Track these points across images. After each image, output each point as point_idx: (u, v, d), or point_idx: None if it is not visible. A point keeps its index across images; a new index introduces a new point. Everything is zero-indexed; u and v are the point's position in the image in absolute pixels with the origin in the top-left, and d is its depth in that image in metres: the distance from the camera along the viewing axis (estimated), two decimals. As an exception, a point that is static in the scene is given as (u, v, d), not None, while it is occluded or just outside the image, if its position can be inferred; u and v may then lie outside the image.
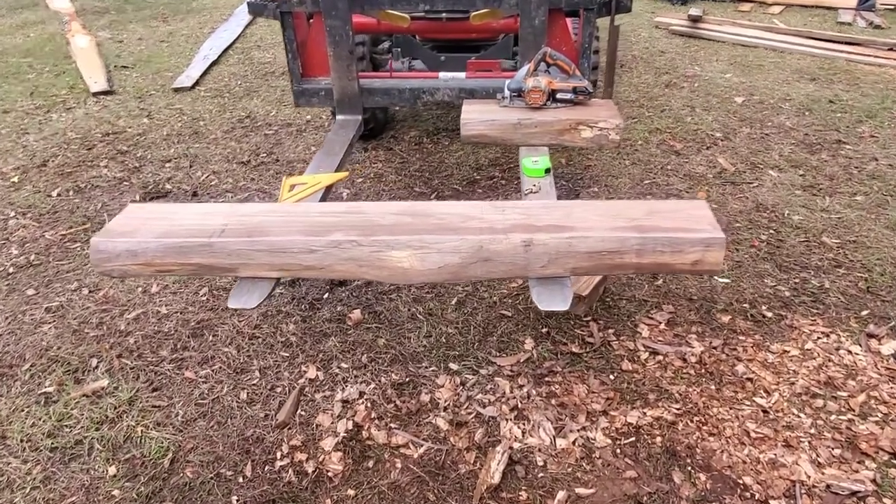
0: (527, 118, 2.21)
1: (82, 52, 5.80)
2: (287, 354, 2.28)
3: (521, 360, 2.25)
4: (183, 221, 1.61)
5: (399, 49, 3.55)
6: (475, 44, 3.42)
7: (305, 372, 2.20)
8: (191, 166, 3.78)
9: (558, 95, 2.26)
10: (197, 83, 5.20)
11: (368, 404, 2.06)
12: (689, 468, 1.82)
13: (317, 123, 4.34)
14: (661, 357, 2.25)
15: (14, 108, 4.77)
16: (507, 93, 2.30)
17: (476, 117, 2.22)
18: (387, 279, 1.55)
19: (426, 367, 2.22)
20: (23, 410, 2.05)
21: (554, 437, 1.93)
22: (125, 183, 3.60)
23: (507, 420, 1.99)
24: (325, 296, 2.57)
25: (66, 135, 4.27)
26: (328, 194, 2.07)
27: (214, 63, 5.72)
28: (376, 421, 2.00)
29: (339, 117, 2.49)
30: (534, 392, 2.11)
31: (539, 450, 1.89)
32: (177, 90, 5.06)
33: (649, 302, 2.52)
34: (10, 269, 2.81)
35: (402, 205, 1.65)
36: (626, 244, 1.48)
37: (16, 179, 3.64)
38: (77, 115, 4.61)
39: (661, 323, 2.42)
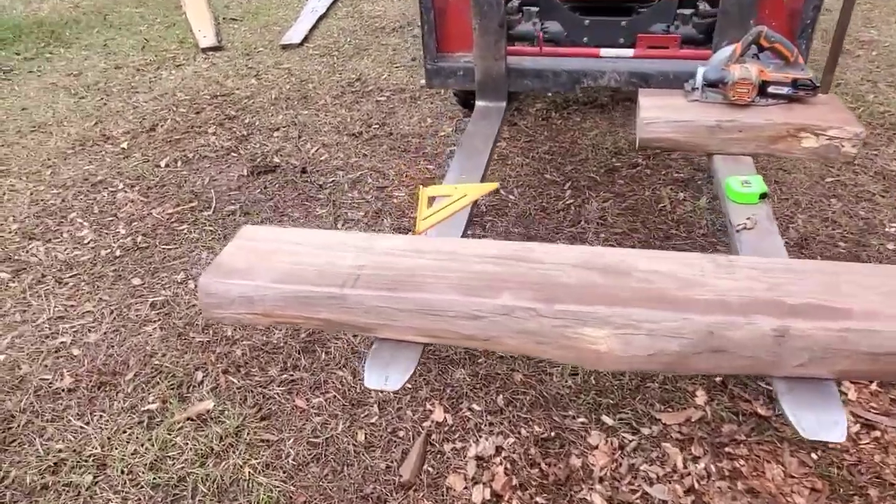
0: (728, 119, 1.71)
1: (192, 2, 5.63)
2: (410, 386, 1.97)
3: (693, 420, 1.83)
4: (308, 257, 1.28)
5: (535, 8, 3.03)
6: (627, 5, 2.86)
7: (431, 412, 1.87)
8: (299, 136, 3.50)
9: (770, 89, 1.74)
10: (305, 39, 4.90)
11: (508, 465, 1.72)
12: None
13: (432, 90, 3.93)
14: (877, 433, 1.76)
15: (126, 64, 4.65)
16: (699, 82, 1.80)
17: (660, 115, 1.74)
18: (573, 361, 1.16)
19: (573, 418, 1.84)
20: (125, 432, 1.86)
21: (747, 541, 1.52)
22: (233, 154, 3.37)
23: (682, 508, 1.59)
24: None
25: (175, 95, 4.09)
26: (472, 208, 1.69)
27: (322, 17, 5.39)
28: (518, 491, 1.65)
29: (479, 104, 2.08)
30: (713, 468, 1.69)
31: (729, 559, 1.49)
32: (284, 47, 4.78)
33: (855, 351, 2.00)
34: (118, 252, 2.64)
35: (589, 252, 1.25)
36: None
37: (125, 146, 3.49)
38: (186, 74, 4.43)
39: (871, 382, 1.91)
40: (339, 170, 3.16)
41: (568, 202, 2.82)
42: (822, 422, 1.01)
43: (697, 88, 1.81)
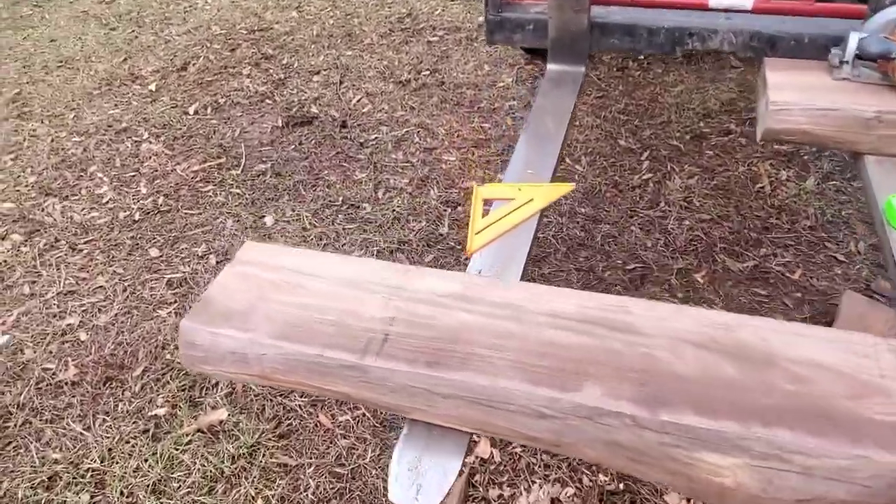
0: (893, 111, 1.27)
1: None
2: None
3: None
4: (323, 299, 0.97)
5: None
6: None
7: (475, 444, 1.59)
8: (341, 82, 3.13)
9: (954, 68, 1.27)
10: (352, -35, 4.41)
11: (564, 525, 1.43)
12: None
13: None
14: None
15: (160, -9, 4.30)
16: (850, 53, 1.35)
17: (796, 100, 1.31)
18: (684, 492, 0.83)
19: (646, 465, 1.52)
20: (128, 442, 1.64)
21: None
22: (267, 101, 3.03)
23: None
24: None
25: (210, 29, 3.74)
26: (541, 217, 1.32)
27: (373, -62, 4.86)
28: (577, 562, 1.37)
29: (551, 68, 1.67)
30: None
31: None
32: (330, -26, 4.31)
33: None
34: (137, 216, 2.39)
35: (713, 321, 0.88)
36: None
37: (153, 87, 3.20)
38: (223, 3, 4.06)
39: None
40: (383, 125, 2.79)
41: (645, 177, 2.40)
42: None
43: (847, 62, 1.36)
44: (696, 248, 2.09)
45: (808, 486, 0.74)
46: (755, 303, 1.91)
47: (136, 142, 2.81)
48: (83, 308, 2.04)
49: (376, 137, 2.72)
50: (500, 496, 1.49)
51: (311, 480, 1.54)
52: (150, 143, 2.79)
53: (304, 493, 1.52)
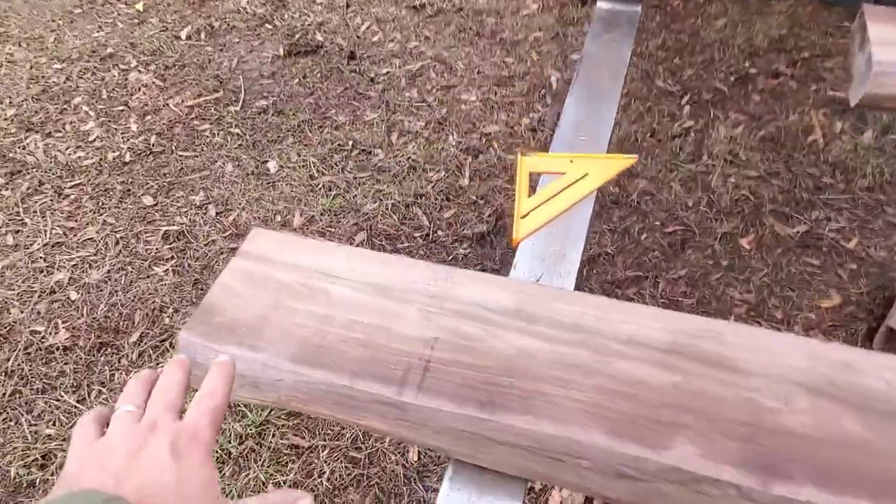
0: None
1: None
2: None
3: None
4: (348, 311, 0.80)
5: None
6: None
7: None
8: (348, 6, 2.83)
9: None
10: None
11: None
12: None
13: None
14: None
15: None
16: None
17: (906, 58, 1.10)
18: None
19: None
20: (126, 418, 1.52)
21: None
22: (267, 25, 2.75)
23: None
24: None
25: (200, -62, 3.37)
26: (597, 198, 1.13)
27: None
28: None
29: (602, 5, 1.41)
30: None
31: None
32: None
33: None
34: (127, 157, 2.19)
35: (822, 351, 0.72)
36: None
37: (140, 7, 2.89)
38: None
39: None
40: (395, 57, 2.53)
41: (686, 124, 2.18)
42: None
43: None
44: (742, 210, 1.91)
45: (956, 583, 0.61)
46: (806, 274, 1.75)
47: (123, 70, 2.55)
48: (72, 263, 1.87)
49: (388, 72, 2.46)
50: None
51: (325, 465, 1.43)
52: (140, 72, 2.54)
53: (319, 480, 1.41)
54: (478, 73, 2.42)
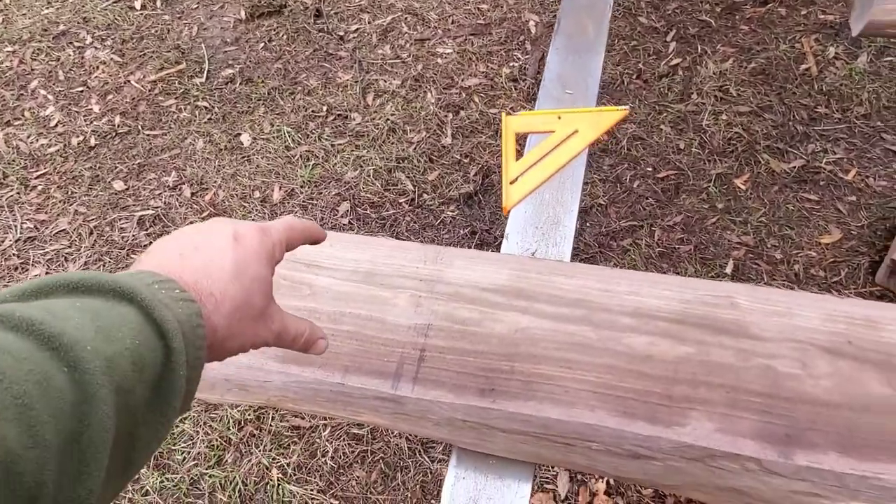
0: None
1: None
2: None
3: None
4: (332, 301, 0.74)
5: None
6: None
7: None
8: (310, -41, 2.67)
9: None
10: None
11: (611, 482, 1.31)
12: None
13: None
14: None
15: None
16: None
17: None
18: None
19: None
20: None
21: None
22: (226, -12, 2.59)
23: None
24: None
25: None
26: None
27: None
28: None
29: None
30: None
31: None
32: None
33: None
34: (92, 140, 2.08)
35: (840, 308, 0.68)
36: None
37: (89, -23, 2.72)
38: None
39: None
40: (364, 12, 2.40)
41: (673, 62, 2.09)
42: None
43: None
44: (735, 148, 1.85)
45: None
46: (804, 210, 1.71)
47: (78, 48, 2.42)
48: (47, 257, 1.80)
49: (358, 28, 2.34)
50: (538, 452, 1.36)
51: (328, 444, 1.41)
52: (96, 48, 2.40)
53: (323, 459, 1.39)
54: (452, 22, 2.31)
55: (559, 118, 1.04)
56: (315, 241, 0.54)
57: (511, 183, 0.97)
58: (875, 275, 1.56)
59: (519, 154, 1.01)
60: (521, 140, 1.03)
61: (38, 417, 0.27)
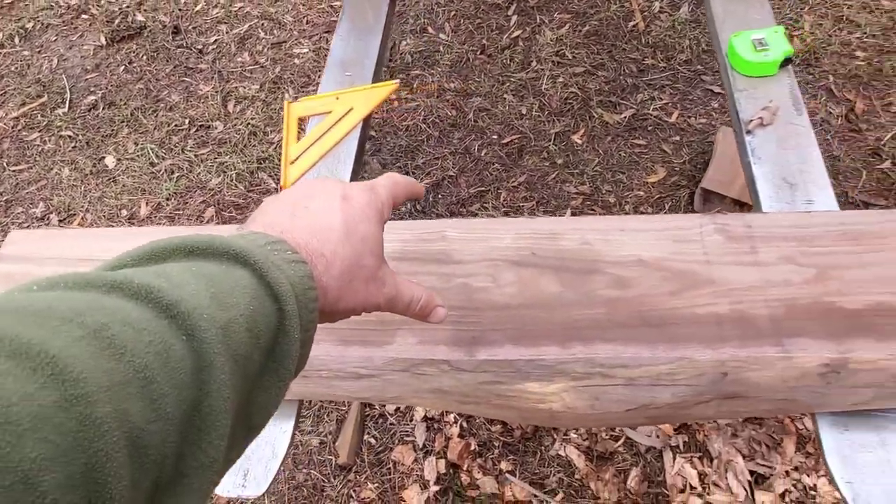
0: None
1: None
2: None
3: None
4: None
5: None
6: None
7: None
8: (167, -22, 2.70)
9: None
10: None
11: (464, 424, 1.43)
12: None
13: None
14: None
15: None
16: None
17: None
18: (517, 421, 0.79)
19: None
20: None
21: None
22: (84, 16, 2.61)
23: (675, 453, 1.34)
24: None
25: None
26: (368, 126, 1.16)
27: None
28: (479, 459, 1.38)
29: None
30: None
31: (729, 514, 1.26)
32: None
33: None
34: (-43, 184, 2.09)
35: (531, 230, 0.79)
36: None
37: (-56, 22, 2.70)
38: None
39: None
40: (222, 23, 2.46)
41: (514, 34, 2.22)
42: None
43: None
44: (571, 107, 1.99)
45: (633, 395, 0.70)
46: (634, 155, 1.86)
47: (-62, 94, 2.40)
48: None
49: (216, 40, 2.40)
50: (398, 410, 1.47)
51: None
52: (-44, 92, 2.39)
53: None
54: (307, 22, 2.39)
55: (337, 99, 1.14)
56: (417, 197, 0.54)
57: (291, 163, 1.07)
58: (693, 204, 1.71)
59: (299, 133, 1.11)
60: (303, 123, 1.12)
61: (159, 390, 0.26)
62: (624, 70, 2.06)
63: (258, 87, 2.20)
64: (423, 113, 2.03)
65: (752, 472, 1.27)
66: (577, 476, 1.33)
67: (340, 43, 1.24)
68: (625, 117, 1.94)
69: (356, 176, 1.06)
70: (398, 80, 1.17)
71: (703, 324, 0.69)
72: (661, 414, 0.72)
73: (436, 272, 0.78)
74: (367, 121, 1.12)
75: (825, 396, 0.69)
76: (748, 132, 0.96)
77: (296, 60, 2.27)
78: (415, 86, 2.09)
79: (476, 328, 0.73)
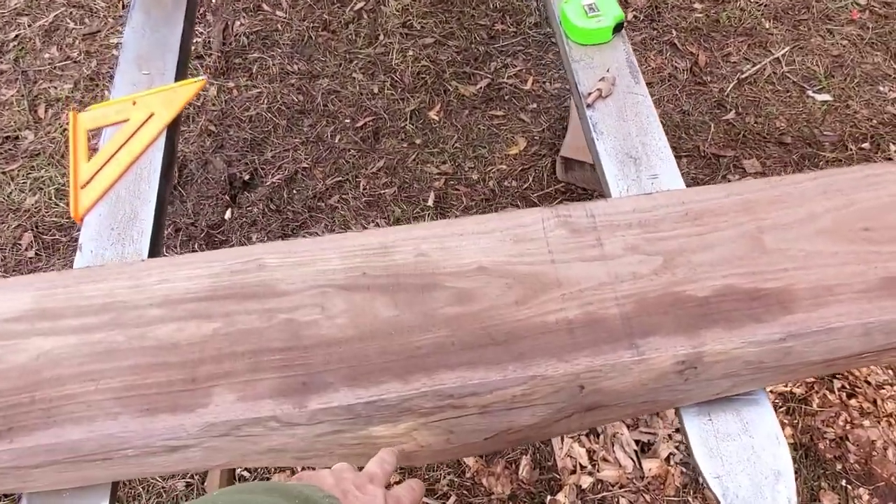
0: None
1: None
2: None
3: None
4: None
5: None
6: None
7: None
8: (-54, -36, 2.29)
9: None
10: None
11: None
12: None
13: None
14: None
15: None
16: None
17: None
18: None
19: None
20: None
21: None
22: None
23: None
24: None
25: None
26: (176, 133, 0.99)
27: None
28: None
29: None
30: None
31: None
32: None
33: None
34: None
35: (358, 241, 0.69)
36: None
37: None
38: None
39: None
40: (22, 15, 2.12)
41: (357, 6, 2.07)
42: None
43: None
44: (425, 82, 1.89)
45: (490, 423, 0.63)
46: (493, 127, 1.80)
47: None
48: None
49: (18, 35, 2.07)
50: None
51: None
52: None
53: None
54: (123, 7, 2.11)
55: (134, 104, 0.96)
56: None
57: (83, 187, 0.89)
58: (556, 173, 1.68)
59: (93, 154, 0.93)
60: (94, 136, 0.94)
61: None
62: (475, 38, 1.98)
63: (72, 85, 1.92)
64: (266, 100, 1.86)
65: (637, 442, 1.28)
66: (468, 475, 1.28)
67: (133, 36, 1.06)
68: (480, 88, 1.87)
69: (164, 193, 0.90)
70: (204, 77, 1.01)
71: (554, 332, 0.63)
72: (522, 437, 0.66)
73: (256, 309, 0.67)
74: (173, 127, 0.96)
75: (686, 392, 0.65)
76: (588, 106, 0.91)
77: (114, 52, 2.00)
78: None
79: (306, 371, 0.63)
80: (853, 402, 1.27)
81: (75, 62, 1.99)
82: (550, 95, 1.86)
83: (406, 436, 0.63)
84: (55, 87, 1.93)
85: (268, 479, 1.29)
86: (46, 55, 2.01)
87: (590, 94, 0.92)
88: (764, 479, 0.64)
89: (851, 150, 1.69)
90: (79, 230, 0.86)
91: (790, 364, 0.63)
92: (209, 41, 2.00)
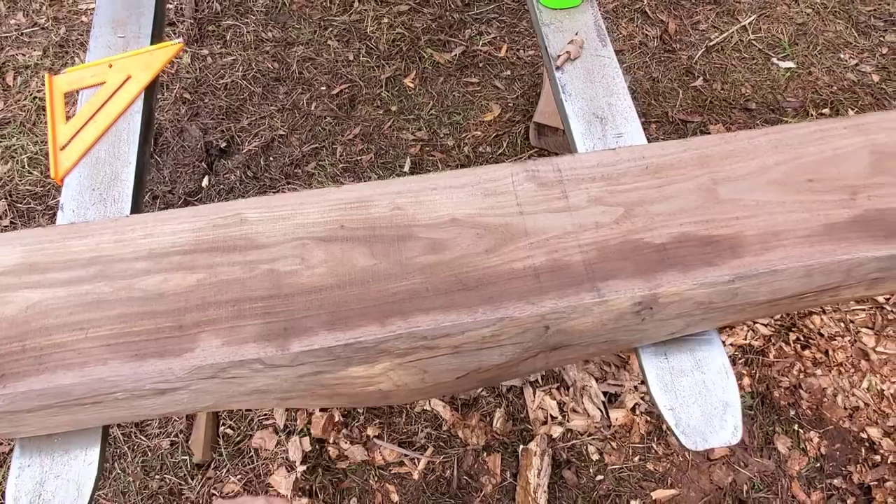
0: None
1: None
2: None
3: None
4: None
5: None
6: None
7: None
8: None
9: None
10: None
11: (324, 397, 1.37)
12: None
13: None
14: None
15: None
16: None
17: None
18: (350, 405, 0.74)
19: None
20: None
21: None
22: None
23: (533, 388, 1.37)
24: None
25: None
26: (154, 96, 1.00)
27: None
28: (344, 429, 1.34)
29: None
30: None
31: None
32: None
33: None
34: None
35: (337, 196, 0.72)
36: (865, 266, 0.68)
37: None
38: None
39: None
40: (-15, -21, 2.07)
41: (332, -27, 2.06)
42: (712, 428, 0.70)
43: None
44: (400, 49, 1.90)
45: (461, 363, 0.68)
46: (468, 94, 1.82)
47: None
48: None
49: (-19, 0, 2.02)
50: (252, 394, 1.38)
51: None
52: None
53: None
54: (92, -27, 2.07)
55: (111, 66, 0.97)
56: None
57: (62, 149, 0.91)
58: (529, 139, 1.72)
59: (72, 116, 0.94)
60: (71, 98, 0.95)
61: None
62: (449, 5, 1.99)
63: (41, 52, 1.89)
64: (241, 68, 1.85)
65: (605, 393, 1.34)
66: (444, 428, 1.33)
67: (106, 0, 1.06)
68: (455, 55, 1.89)
69: (144, 156, 0.92)
70: (180, 40, 1.02)
71: (522, 278, 0.67)
72: (491, 375, 0.70)
73: (238, 261, 0.70)
74: (150, 89, 0.97)
75: (643, 332, 0.70)
76: (557, 68, 0.94)
77: (83, 18, 1.97)
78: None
79: (287, 318, 0.66)
80: (807, 352, 1.35)
81: (43, 28, 1.96)
82: (524, 63, 1.88)
83: (383, 376, 0.67)
84: (23, 55, 1.90)
85: (251, 437, 1.33)
86: (13, 21, 1.98)
87: (559, 56, 0.95)
88: (713, 410, 0.69)
89: (812, 115, 1.75)
90: (55, 198, 0.88)
91: (738, 304, 0.69)
92: (181, 7, 1.98)
